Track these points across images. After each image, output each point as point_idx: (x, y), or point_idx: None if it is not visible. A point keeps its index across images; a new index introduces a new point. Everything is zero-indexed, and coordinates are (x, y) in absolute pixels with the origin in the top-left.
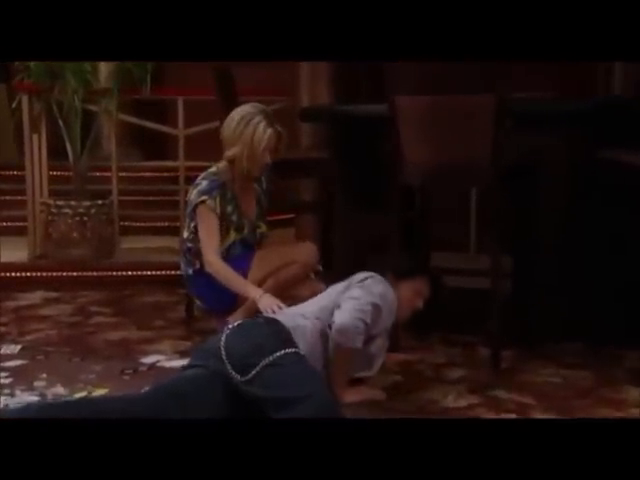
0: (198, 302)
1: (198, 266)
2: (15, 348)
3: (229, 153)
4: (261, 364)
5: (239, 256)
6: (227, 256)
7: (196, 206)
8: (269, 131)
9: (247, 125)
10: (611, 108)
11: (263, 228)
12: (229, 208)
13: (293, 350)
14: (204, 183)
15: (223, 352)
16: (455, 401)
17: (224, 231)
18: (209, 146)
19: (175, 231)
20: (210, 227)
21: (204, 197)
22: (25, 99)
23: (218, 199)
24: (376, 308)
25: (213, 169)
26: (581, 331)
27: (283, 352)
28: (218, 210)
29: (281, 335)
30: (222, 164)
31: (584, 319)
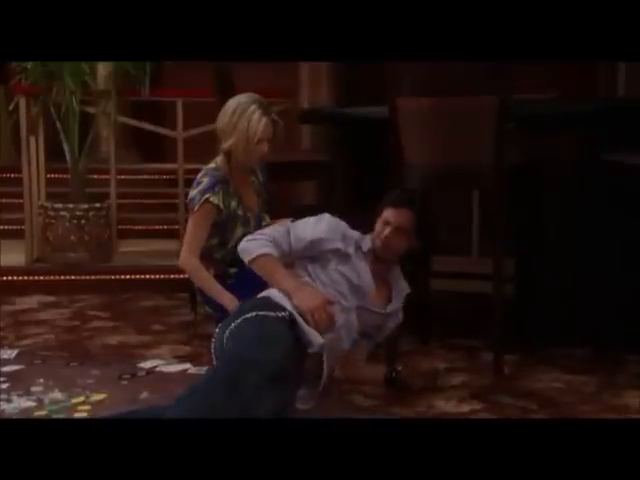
0: (207, 308)
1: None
2: (12, 353)
3: (225, 145)
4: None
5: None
6: (236, 255)
7: (201, 205)
8: (264, 120)
9: (242, 115)
10: (615, 109)
11: (267, 220)
12: (233, 203)
13: (238, 322)
14: (205, 180)
15: (213, 357)
16: (457, 407)
17: (231, 227)
18: (208, 148)
19: (174, 234)
20: (201, 226)
21: (207, 195)
22: (22, 101)
23: (221, 194)
24: (280, 226)
25: (212, 165)
26: (585, 336)
27: (231, 327)
28: (222, 205)
29: (242, 310)
30: (220, 158)
31: (588, 324)
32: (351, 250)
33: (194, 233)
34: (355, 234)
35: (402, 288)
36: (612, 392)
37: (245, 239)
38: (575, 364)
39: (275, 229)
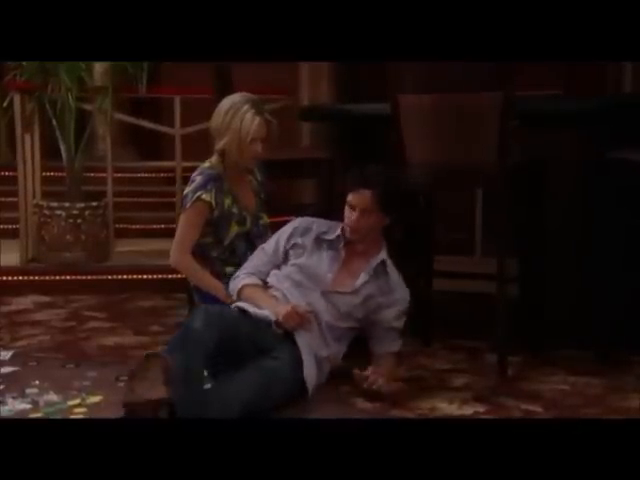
0: None
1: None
2: (7, 354)
3: (219, 145)
4: None
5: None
6: (232, 253)
7: (193, 203)
8: (257, 120)
9: (235, 115)
10: (619, 107)
11: (265, 219)
12: (227, 201)
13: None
14: (199, 179)
15: None
16: (460, 409)
17: (226, 225)
18: (206, 146)
19: (171, 233)
20: (193, 223)
21: (199, 192)
22: (17, 98)
23: (214, 192)
24: (260, 250)
25: (206, 164)
26: (589, 337)
27: None
28: (214, 203)
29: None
30: (214, 157)
31: (592, 325)
32: (308, 241)
33: (186, 231)
34: (323, 226)
35: (377, 259)
36: (617, 394)
37: (232, 278)
38: (579, 366)
39: (256, 257)
